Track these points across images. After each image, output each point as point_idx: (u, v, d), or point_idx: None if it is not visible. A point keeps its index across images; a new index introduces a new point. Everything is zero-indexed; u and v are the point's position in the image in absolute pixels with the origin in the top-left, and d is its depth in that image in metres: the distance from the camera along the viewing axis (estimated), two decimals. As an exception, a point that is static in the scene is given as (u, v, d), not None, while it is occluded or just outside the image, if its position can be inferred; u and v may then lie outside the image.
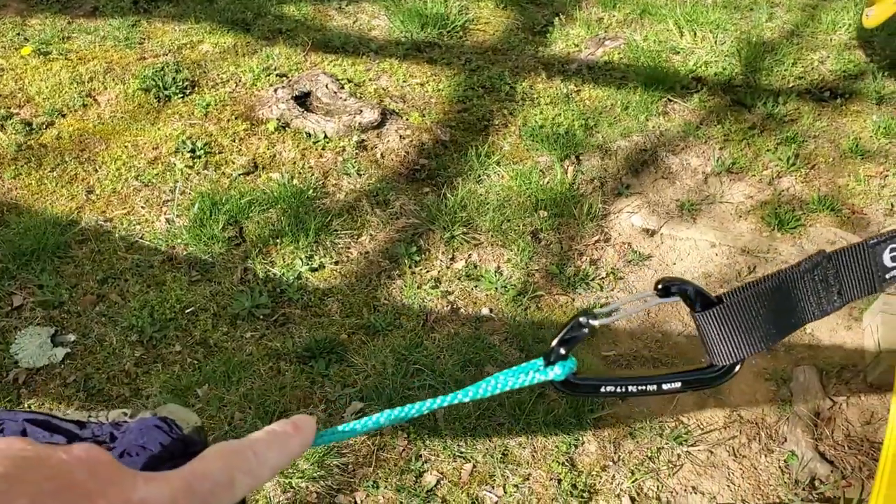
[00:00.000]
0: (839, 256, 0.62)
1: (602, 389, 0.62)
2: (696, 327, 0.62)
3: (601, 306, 0.58)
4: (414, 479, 2.18)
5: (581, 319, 0.60)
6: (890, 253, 0.63)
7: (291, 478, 2.13)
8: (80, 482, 0.37)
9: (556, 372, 0.59)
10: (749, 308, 0.60)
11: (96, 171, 3.05)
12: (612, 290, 2.78)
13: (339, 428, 0.57)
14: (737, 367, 0.63)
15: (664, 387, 0.62)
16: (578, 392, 0.62)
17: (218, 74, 3.62)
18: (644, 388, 0.62)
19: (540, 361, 0.60)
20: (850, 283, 0.63)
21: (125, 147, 3.16)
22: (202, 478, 0.43)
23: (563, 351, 0.60)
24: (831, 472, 2.23)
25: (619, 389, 0.63)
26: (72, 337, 2.48)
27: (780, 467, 2.27)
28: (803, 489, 2.20)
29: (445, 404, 0.59)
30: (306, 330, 2.53)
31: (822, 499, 2.18)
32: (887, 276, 0.64)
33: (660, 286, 0.61)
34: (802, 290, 0.61)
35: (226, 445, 0.46)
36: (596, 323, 0.60)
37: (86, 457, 0.38)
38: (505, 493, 2.17)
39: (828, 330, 2.65)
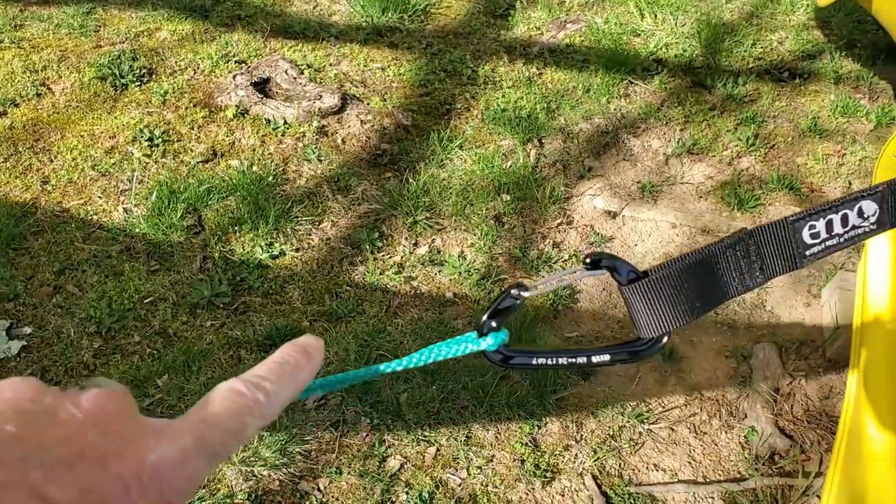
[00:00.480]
0: (760, 233, 0.63)
1: (534, 361, 0.63)
2: (623, 301, 0.63)
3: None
4: (377, 464, 2.17)
5: (513, 291, 0.60)
6: (809, 230, 0.64)
7: (253, 466, 2.12)
8: (93, 446, 0.35)
9: (489, 342, 0.60)
10: (674, 282, 0.60)
11: (51, 161, 3.00)
12: (575, 273, 2.78)
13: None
14: (663, 340, 0.63)
15: (593, 359, 0.63)
16: (511, 364, 0.62)
17: (176, 62, 3.56)
18: (574, 360, 0.63)
19: (474, 334, 0.61)
20: (771, 259, 0.64)
21: (81, 136, 3.10)
22: (213, 428, 0.40)
23: (494, 323, 0.60)
24: (790, 446, 2.26)
25: (550, 361, 0.63)
26: (28, 329, 2.44)
27: (740, 443, 2.29)
28: (763, 464, 2.23)
29: (388, 370, 0.59)
30: (267, 318, 2.51)
31: (781, 473, 2.21)
32: (807, 253, 0.65)
33: (587, 260, 0.62)
34: (725, 265, 0.62)
35: (234, 387, 0.43)
36: (526, 294, 0.60)
37: (94, 410, 0.37)
38: (469, 475, 2.17)
39: (787, 307, 2.68)
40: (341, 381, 0.58)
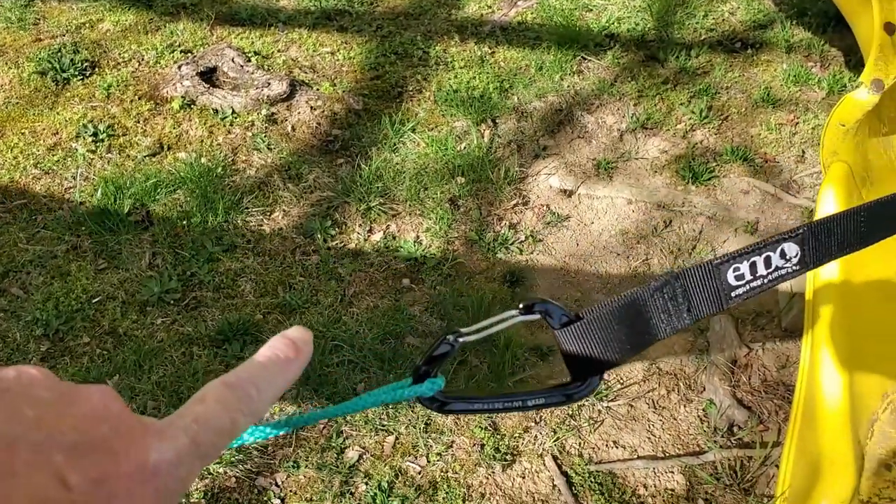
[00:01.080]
0: (686, 275, 0.65)
1: (472, 407, 0.64)
2: (556, 344, 0.64)
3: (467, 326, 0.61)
4: (335, 455, 2.15)
5: (449, 338, 0.61)
6: (734, 272, 0.66)
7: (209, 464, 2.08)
8: (104, 439, 0.35)
9: (423, 389, 0.60)
10: (605, 324, 0.62)
11: (-8, 160, 2.91)
12: (532, 252, 2.77)
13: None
14: (596, 382, 0.64)
15: (529, 403, 0.64)
16: (447, 410, 0.63)
17: (119, 54, 3.47)
18: (510, 404, 0.64)
19: (409, 381, 0.61)
20: (698, 300, 0.65)
21: (22, 134, 3.02)
22: (205, 426, 0.40)
23: (429, 369, 0.61)
24: (749, 417, 2.27)
25: (486, 407, 0.64)
26: (-29, 335, 2.38)
27: (699, 416, 2.30)
28: (722, 436, 2.24)
29: (313, 421, 0.60)
30: (219, 312, 2.46)
31: (740, 444, 2.22)
32: (733, 294, 0.66)
33: (521, 305, 0.63)
34: (653, 307, 0.64)
35: (226, 384, 0.42)
36: (462, 340, 0.61)
37: (102, 405, 0.37)
38: (428, 462, 2.15)
39: (743, 279, 2.69)
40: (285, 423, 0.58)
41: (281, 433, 0.58)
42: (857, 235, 0.72)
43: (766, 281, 0.67)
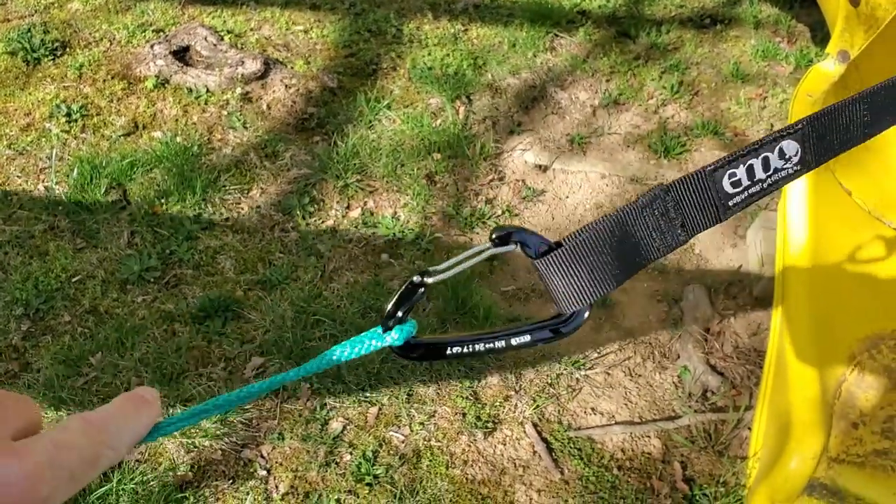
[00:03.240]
0: (677, 187, 0.59)
1: (448, 352, 0.59)
2: (538, 276, 0.59)
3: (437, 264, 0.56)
4: (320, 427, 2.18)
5: (415, 279, 0.56)
6: (729, 178, 0.60)
7: (194, 437, 2.10)
8: None
9: (394, 337, 0.57)
10: (590, 249, 0.57)
11: (-36, 141, 2.89)
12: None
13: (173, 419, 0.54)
14: (585, 315, 0.60)
15: (513, 342, 0.59)
16: (420, 356, 0.59)
17: (90, 33, 3.44)
18: (492, 345, 0.59)
19: (379, 329, 0.58)
20: (693, 214, 0.60)
21: (-6, 114, 2.99)
22: (68, 450, 0.41)
23: (399, 314, 0.57)
24: (721, 382, 2.34)
25: (465, 350, 0.59)
26: (-50, 316, 2.37)
27: (673, 383, 2.36)
28: (696, 401, 2.30)
29: (288, 380, 0.57)
30: (200, 289, 2.47)
31: (713, 408, 2.28)
32: (730, 204, 0.61)
33: (494, 236, 0.58)
34: (643, 226, 0.59)
35: (89, 418, 0.44)
36: (430, 280, 0.56)
37: None
38: (411, 431, 2.19)
39: (715, 249, 2.75)
40: (258, 388, 0.56)
41: (263, 394, 0.56)
42: (861, 126, 0.66)
43: (765, 185, 0.62)
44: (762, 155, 0.61)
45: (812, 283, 1.97)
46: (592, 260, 0.57)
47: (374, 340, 0.57)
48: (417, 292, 0.56)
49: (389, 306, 0.56)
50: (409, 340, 0.57)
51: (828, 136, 0.64)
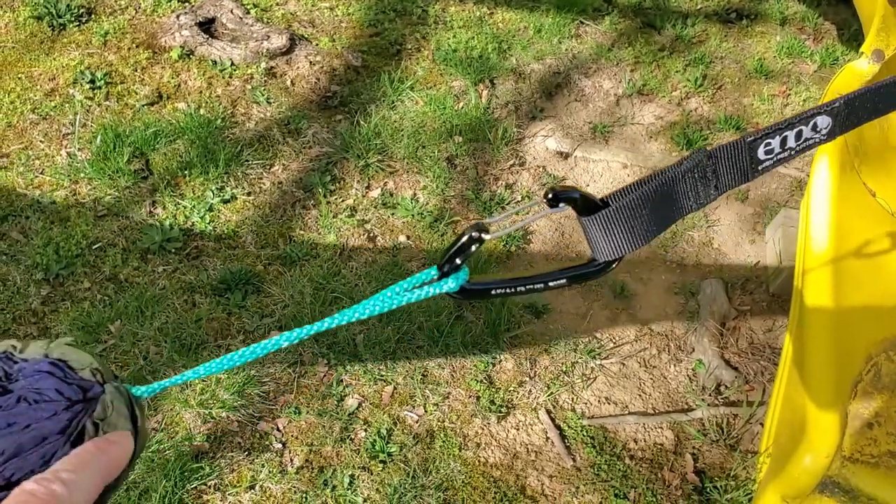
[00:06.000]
0: (719, 153, 0.63)
1: (493, 292, 0.64)
2: (582, 229, 0.63)
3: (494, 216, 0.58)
4: (335, 402, 2.19)
5: (473, 234, 0.60)
6: (765, 148, 0.65)
7: (211, 408, 2.12)
8: None
9: (451, 285, 0.61)
10: (632, 210, 0.61)
11: (-12, 104, 2.89)
12: (528, 214, 2.80)
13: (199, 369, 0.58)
14: (614, 264, 0.64)
15: (550, 284, 0.64)
16: (470, 297, 0.63)
17: (115, 1, 3.44)
18: (532, 286, 0.64)
19: (433, 270, 0.61)
20: (726, 177, 0.65)
21: (18, 79, 3.00)
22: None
23: (457, 262, 0.60)
24: (735, 377, 2.34)
25: (508, 290, 0.64)
26: (-28, 278, 2.38)
27: (688, 375, 2.37)
28: (710, 395, 2.31)
29: (346, 321, 0.60)
30: (220, 262, 2.49)
31: (726, 403, 2.29)
32: (759, 168, 0.66)
33: (549, 195, 0.61)
34: (683, 187, 0.63)
35: (25, 488, 0.43)
36: (487, 236, 0.60)
37: None
38: (425, 411, 2.21)
39: (733, 245, 2.75)
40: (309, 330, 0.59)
41: (311, 334, 0.59)
42: (892, 105, 0.71)
43: (793, 152, 0.67)
44: (797, 129, 0.66)
45: (832, 283, 1.97)
46: (633, 219, 0.61)
47: (433, 287, 0.61)
48: (473, 244, 0.60)
49: (448, 253, 0.60)
50: (462, 286, 0.61)
51: (858, 112, 0.68)
